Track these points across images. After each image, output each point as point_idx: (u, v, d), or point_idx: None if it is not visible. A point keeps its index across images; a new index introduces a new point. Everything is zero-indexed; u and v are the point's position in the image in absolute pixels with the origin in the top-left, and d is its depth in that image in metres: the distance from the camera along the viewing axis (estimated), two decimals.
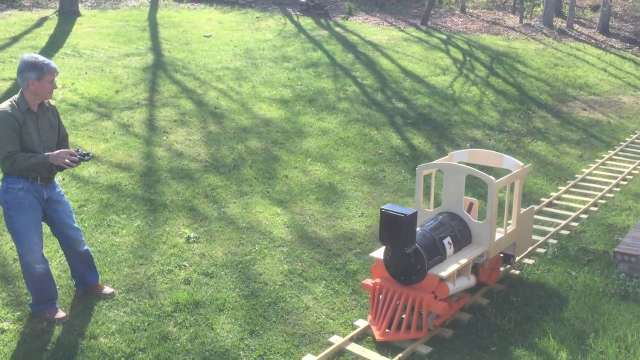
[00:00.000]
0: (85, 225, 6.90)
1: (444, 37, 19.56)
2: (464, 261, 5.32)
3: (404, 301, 5.20)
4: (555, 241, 7.30)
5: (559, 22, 23.64)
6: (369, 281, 5.49)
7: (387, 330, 5.22)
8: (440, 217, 5.67)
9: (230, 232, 7.03)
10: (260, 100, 11.99)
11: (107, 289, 5.69)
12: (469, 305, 5.77)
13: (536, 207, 8.26)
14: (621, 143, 11.57)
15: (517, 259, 6.55)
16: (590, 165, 10.33)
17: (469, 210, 6.01)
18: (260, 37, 17.32)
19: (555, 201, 8.69)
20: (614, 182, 9.36)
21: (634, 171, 10.00)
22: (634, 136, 12.00)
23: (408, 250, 5.01)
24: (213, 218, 7.34)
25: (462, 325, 5.54)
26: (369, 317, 5.42)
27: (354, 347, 5.18)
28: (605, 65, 18.16)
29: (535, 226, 7.67)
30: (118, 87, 11.84)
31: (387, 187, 8.69)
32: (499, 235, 5.78)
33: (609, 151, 11.08)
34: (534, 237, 7.16)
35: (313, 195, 8.19)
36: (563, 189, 9.12)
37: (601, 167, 10.24)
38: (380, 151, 10.02)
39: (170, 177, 8.37)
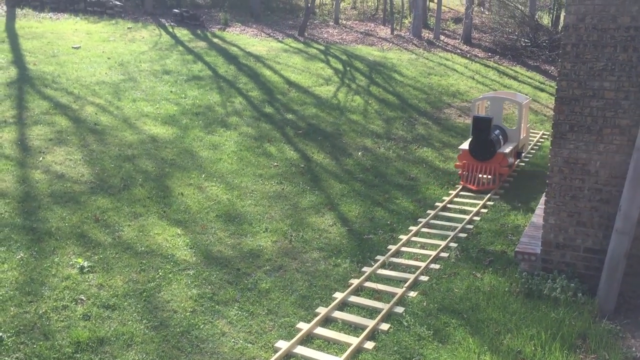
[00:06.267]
0: None
1: (322, 47, 19.82)
2: (512, 146, 10.19)
3: (483, 171, 9.80)
4: (455, 244, 7.54)
5: (426, 34, 24.87)
6: (458, 162, 9.99)
7: (477, 186, 9.68)
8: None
9: (129, 258, 6.51)
10: (143, 115, 11.36)
11: None
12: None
13: (432, 212, 8.56)
14: None
15: (523, 154, 11.27)
16: None
17: None
18: (135, 48, 16.50)
19: (448, 205, 9.01)
20: (498, 183, 9.88)
21: (512, 173, 10.63)
22: None
23: (490, 137, 9.66)
24: (107, 244, 6.75)
25: (382, 337, 5.50)
26: (462, 181, 9.86)
27: None
28: (472, 73, 19.30)
29: (434, 230, 7.92)
30: None
31: (287, 199, 8.53)
32: (520, 137, 10.62)
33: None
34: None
35: (213, 213, 7.83)
36: (454, 192, 9.48)
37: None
38: (276, 164, 9.85)
39: (53, 201, 7.62)
